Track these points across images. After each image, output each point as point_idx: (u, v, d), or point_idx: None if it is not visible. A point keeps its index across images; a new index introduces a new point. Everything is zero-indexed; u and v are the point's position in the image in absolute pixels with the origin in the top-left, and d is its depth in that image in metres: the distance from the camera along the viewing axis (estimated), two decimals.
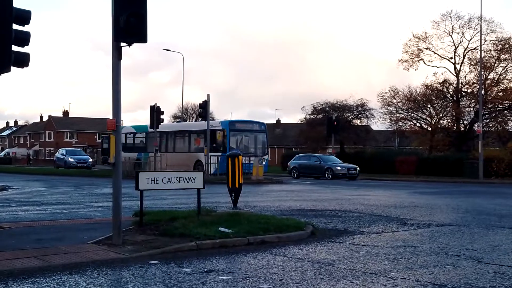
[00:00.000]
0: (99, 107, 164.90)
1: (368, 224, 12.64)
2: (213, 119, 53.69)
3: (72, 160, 54.60)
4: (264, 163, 35.24)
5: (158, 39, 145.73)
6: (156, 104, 35.79)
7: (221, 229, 10.30)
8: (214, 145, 36.32)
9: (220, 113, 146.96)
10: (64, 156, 55.93)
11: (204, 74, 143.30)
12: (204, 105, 33.70)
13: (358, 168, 40.54)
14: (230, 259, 8.56)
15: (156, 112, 35.51)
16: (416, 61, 54.46)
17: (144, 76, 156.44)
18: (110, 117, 9.57)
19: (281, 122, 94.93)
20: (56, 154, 60.66)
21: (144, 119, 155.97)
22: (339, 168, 39.94)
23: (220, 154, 35.11)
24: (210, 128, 34.97)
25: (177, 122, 70.05)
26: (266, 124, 42.71)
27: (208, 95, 33.54)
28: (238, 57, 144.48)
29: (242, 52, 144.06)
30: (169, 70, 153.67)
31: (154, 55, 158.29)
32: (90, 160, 57.78)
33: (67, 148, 62.95)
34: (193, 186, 11.28)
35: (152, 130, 41.16)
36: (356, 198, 20.35)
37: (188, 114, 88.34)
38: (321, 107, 59.85)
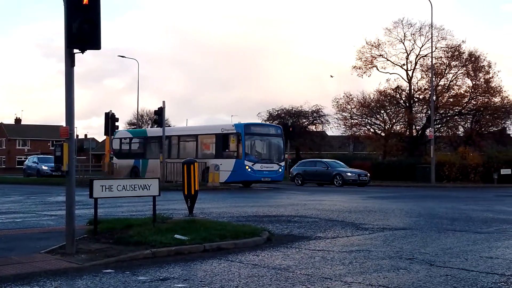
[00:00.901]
0: (52, 114, 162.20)
1: (323, 229, 12.75)
2: (169, 126, 53.19)
3: (46, 168, 50.24)
4: (218, 169, 34.59)
5: (113, 45, 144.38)
6: (111, 111, 35.50)
7: (177, 236, 10.25)
8: (226, 150, 33.96)
9: (176, 120, 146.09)
10: (36, 164, 52.12)
11: (160, 81, 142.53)
12: (160, 112, 33.49)
13: (369, 174, 38.99)
14: (186, 267, 8.53)
15: (111, 119, 35.18)
16: (369, 67, 55.29)
17: (98, 83, 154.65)
18: (64, 124, 9.43)
19: None
20: (26, 162, 56.70)
21: (98, 125, 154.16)
22: (349, 174, 38.02)
23: (234, 160, 33.25)
24: (222, 132, 33.97)
25: (180, 126, 63.28)
26: None
27: (164, 102, 33.36)
28: (195, 63, 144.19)
29: (198, 59, 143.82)
30: (125, 77, 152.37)
31: (109, 62, 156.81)
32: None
33: (39, 156, 58.68)
34: (148, 193, 11.19)
35: (152, 134, 39.71)
36: (311, 203, 20.48)
37: (144, 121, 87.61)
38: (276, 113, 60.27)
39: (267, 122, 55.28)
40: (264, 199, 24.18)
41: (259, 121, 58.18)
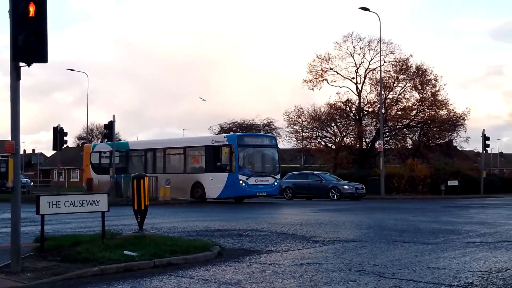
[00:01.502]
0: None
1: (274, 242, 12.76)
2: (119, 140, 52.48)
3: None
4: (169, 184, 33.93)
5: (61, 58, 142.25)
6: (59, 125, 34.88)
7: (126, 252, 10.10)
8: (218, 163, 31.42)
9: (126, 134, 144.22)
10: None
11: (110, 94, 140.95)
12: (110, 126, 33.07)
13: (364, 187, 37.64)
14: (135, 283, 8.40)
15: (59, 134, 34.55)
16: (320, 81, 55.93)
17: (47, 96, 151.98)
18: (9, 139, 9.21)
19: None
20: None
21: (46, 140, 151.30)
22: (346, 187, 36.42)
23: (226, 174, 30.89)
24: (213, 144, 31.86)
25: (166, 138, 59.93)
26: None
27: (114, 116, 32.97)
28: (145, 76, 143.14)
29: (148, 71, 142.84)
30: (74, 90, 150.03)
31: (57, 75, 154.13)
32: (32, 183, 49.94)
33: None
34: (97, 209, 11.02)
35: (135, 147, 37.55)
36: (263, 217, 20.50)
37: (94, 135, 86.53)
38: (228, 126, 60.33)
39: (260, 132, 54.18)
40: (217, 213, 24.08)
41: (211, 134, 57.85)
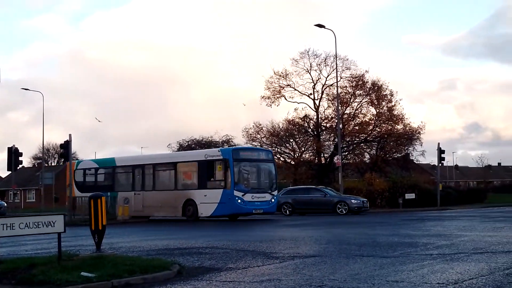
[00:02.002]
0: None
1: (234, 259, 12.70)
2: (77, 159, 51.60)
3: None
4: (128, 202, 33.32)
5: (16, 77, 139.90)
6: (14, 145, 34.33)
7: (83, 273, 9.93)
8: (212, 179, 29.94)
9: (84, 153, 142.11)
10: None
11: (66, 113, 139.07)
12: (66, 145, 32.62)
13: (368, 201, 37.32)
14: None
15: (14, 154, 33.98)
16: (277, 97, 56.24)
17: (1, 116, 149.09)
18: None
19: None
20: None
21: (0, 160, 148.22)
22: (354, 201, 35.77)
23: (221, 190, 29.26)
24: (206, 159, 30.20)
25: (156, 153, 55.58)
26: None
27: (70, 135, 32.54)
28: (102, 95, 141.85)
29: (105, 90, 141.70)
30: (29, 110, 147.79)
31: (12, 95, 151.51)
32: (5, 204, 46.99)
33: None
34: (53, 230, 10.82)
35: (122, 163, 35.07)
36: (222, 234, 20.42)
37: (50, 154, 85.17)
38: (187, 144, 60.12)
39: (256, 146, 52.07)
40: (175, 231, 23.89)
41: (175, 151, 57.29)
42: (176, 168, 32.16)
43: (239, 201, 28.91)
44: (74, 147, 33.50)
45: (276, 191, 31.42)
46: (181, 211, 30.86)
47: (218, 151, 31.29)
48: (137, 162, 34.52)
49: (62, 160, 35.26)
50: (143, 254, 13.76)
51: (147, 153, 52.51)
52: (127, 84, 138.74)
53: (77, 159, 50.99)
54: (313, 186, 40.30)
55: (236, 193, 28.88)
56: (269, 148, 55.32)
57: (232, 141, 59.65)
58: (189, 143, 60.12)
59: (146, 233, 22.71)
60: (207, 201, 29.61)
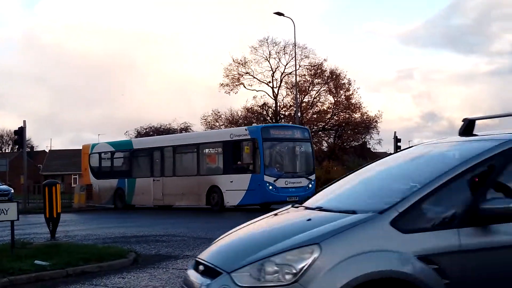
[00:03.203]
0: None
1: (192, 247, 12.67)
2: (32, 146, 50.63)
3: None
4: (84, 190, 32.57)
5: None
6: None
7: (37, 262, 9.78)
8: (238, 163, 26.00)
9: (39, 139, 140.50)
10: None
11: (20, 99, 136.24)
12: (20, 132, 31.93)
13: None
14: None
15: None
16: (236, 85, 56.25)
17: None
18: None
19: None
20: None
21: None
22: None
23: (249, 175, 25.36)
24: (232, 139, 26.30)
25: (175, 134, 48.46)
26: None
27: (24, 121, 31.82)
28: (57, 81, 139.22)
29: (60, 76, 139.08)
30: None
31: None
32: (12, 191, 41.67)
33: None
34: (5, 218, 10.60)
35: (140, 146, 31.74)
36: (181, 222, 20.36)
37: (4, 141, 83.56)
38: (145, 131, 59.66)
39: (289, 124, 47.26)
40: (134, 219, 23.73)
41: (133, 138, 56.33)
42: (199, 150, 28.34)
43: (270, 187, 25.02)
44: (28, 134, 32.74)
45: (314, 175, 27.39)
46: (205, 200, 27.08)
47: (245, 129, 27.07)
48: (155, 145, 30.95)
49: (17, 146, 33.43)
50: (99, 242, 13.64)
51: (172, 135, 47.64)
52: (83, 69, 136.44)
53: (31, 145, 49.04)
54: None
55: (266, 178, 24.98)
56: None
57: (190, 129, 59.46)
58: (147, 130, 59.68)
59: (102, 221, 22.50)
60: (234, 188, 25.77)
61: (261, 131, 25.71)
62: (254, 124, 49.13)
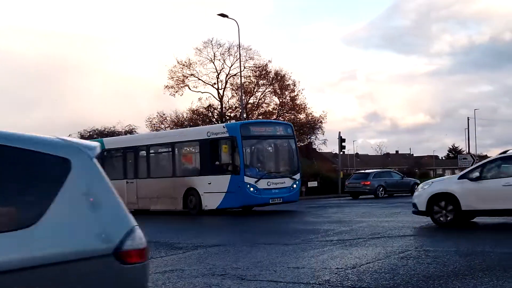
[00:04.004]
0: None
1: None
2: None
3: None
4: None
5: None
6: None
7: None
8: (216, 163, 24.05)
9: None
10: None
11: None
12: None
13: None
14: None
15: None
16: (181, 87, 55.96)
17: None
18: None
19: None
20: None
21: None
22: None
23: (228, 176, 23.48)
24: (209, 137, 24.44)
25: (150, 132, 48.79)
26: None
27: None
28: None
29: None
30: None
31: None
32: None
33: None
34: None
35: (112, 146, 29.60)
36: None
37: None
38: (88, 134, 58.61)
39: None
40: None
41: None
42: (174, 150, 26.63)
43: (251, 189, 23.27)
44: None
45: (299, 174, 25.41)
46: (181, 203, 25.23)
47: (223, 127, 25.19)
48: (128, 144, 29.13)
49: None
50: None
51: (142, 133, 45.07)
52: (19, 72, 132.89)
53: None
54: (390, 170, 44.57)
55: (247, 179, 23.26)
56: None
57: (135, 131, 58.78)
58: (91, 133, 58.70)
59: None
60: (212, 190, 23.98)
61: (240, 128, 24.05)
62: (200, 125, 48.92)
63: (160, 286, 8.42)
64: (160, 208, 26.52)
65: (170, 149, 26.78)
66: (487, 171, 15.10)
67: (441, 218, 15.31)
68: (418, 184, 38.10)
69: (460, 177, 15.46)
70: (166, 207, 26.22)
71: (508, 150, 15.86)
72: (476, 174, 15.00)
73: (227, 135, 23.80)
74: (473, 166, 16.19)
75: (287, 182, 24.48)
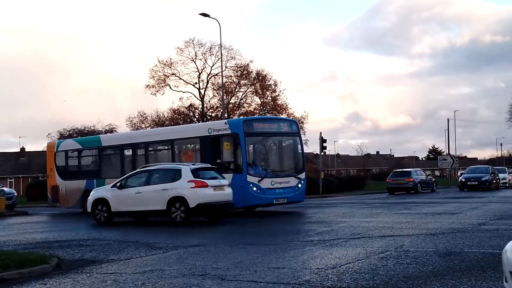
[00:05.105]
0: None
1: (117, 251, 12.45)
2: (58, 139, 46.54)
3: None
4: (4, 194, 30.88)
5: None
6: None
7: None
8: (218, 161, 22.78)
9: None
10: None
11: None
12: None
13: None
14: None
15: None
16: (162, 86, 55.82)
17: None
18: None
19: (26, 150, 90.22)
20: None
21: None
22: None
23: (230, 175, 21.96)
24: (210, 134, 23.39)
25: (149, 129, 47.80)
26: (9, 153, 33.96)
27: None
28: None
29: None
30: None
31: None
32: (15, 194, 36.75)
33: None
34: None
35: (109, 143, 28.79)
36: (107, 226, 19.97)
37: None
38: (68, 133, 58.14)
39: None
40: (56, 223, 23.12)
41: (55, 140, 54.27)
42: (174, 147, 25.58)
43: (254, 188, 22.21)
44: None
45: (304, 173, 24.30)
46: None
47: (225, 123, 23.72)
48: (126, 141, 27.97)
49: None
50: (19, 248, 13.22)
51: (145, 130, 44.53)
52: (2, 70, 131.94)
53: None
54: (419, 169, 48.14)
55: (250, 178, 22.18)
56: None
57: (115, 130, 58.44)
58: (70, 132, 58.24)
59: (23, 226, 21.80)
60: None
61: (243, 124, 22.85)
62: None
63: (139, 286, 8.37)
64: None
65: (169, 146, 25.91)
66: (128, 182, 20.13)
67: (100, 217, 20.42)
68: (435, 183, 44.22)
69: (112, 186, 20.47)
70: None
71: (145, 166, 21.24)
72: (121, 183, 20.15)
73: (229, 131, 22.79)
74: (121, 178, 20.84)
75: (292, 181, 23.47)
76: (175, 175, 19.22)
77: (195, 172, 19.13)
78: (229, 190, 19.85)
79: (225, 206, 19.80)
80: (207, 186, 18.84)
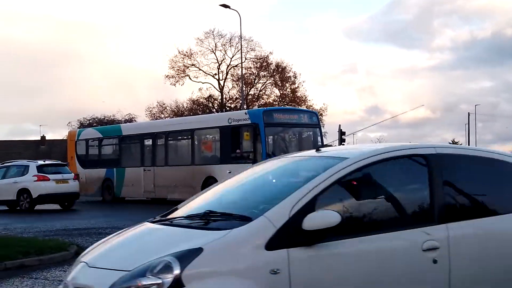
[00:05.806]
0: None
1: None
2: (79, 128, 46.90)
3: None
4: None
5: None
6: None
7: None
8: (237, 151, 22.69)
9: None
10: None
11: None
12: None
13: None
14: None
15: None
16: (182, 77, 55.79)
17: None
18: None
19: (47, 138, 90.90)
20: None
21: None
22: None
23: (249, 165, 18.49)
24: (230, 124, 23.20)
25: (168, 119, 47.14)
26: (30, 141, 34.86)
27: None
28: None
29: None
30: None
31: None
32: None
33: None
34: None
35: (129, 132, 28.92)
36: (123, 214, 20.11)
37: None
38: (88, 122, 58.55)
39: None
40: (76, 212, 23.31)
41: (76, 128, 54.43)
42: (193, 137, 25.39)
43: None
44: None
45: None
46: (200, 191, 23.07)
47: (245, 113, 23.92)
48: (146, 130, 28.13)
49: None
50: (39, 235, 13.34)
51: (165, 120, 44.12)
52: (20, 58, 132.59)
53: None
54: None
55: None
56: None
57: (134, 120, 58.71)
58: (90, 121, 58.63)
59: (43, 214, 22.03)
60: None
61: (263, 115, 22.78)
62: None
63: None
64: (178, 197, 23.94)
65: (189, 136, 25.63)
66: None
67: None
68: None
69: None
70: (184, 196, 23.65)
71: (4, 163, 25.43)
72: None
73: (249, 121, 22.54)
74: None
75: None
76: (24, 170, 23.33)
77: (40, 168, 23.26)
78: (74, 183, 24.04)
79: (68, 196, 23.86)
80: (48, 179, 22.83)
